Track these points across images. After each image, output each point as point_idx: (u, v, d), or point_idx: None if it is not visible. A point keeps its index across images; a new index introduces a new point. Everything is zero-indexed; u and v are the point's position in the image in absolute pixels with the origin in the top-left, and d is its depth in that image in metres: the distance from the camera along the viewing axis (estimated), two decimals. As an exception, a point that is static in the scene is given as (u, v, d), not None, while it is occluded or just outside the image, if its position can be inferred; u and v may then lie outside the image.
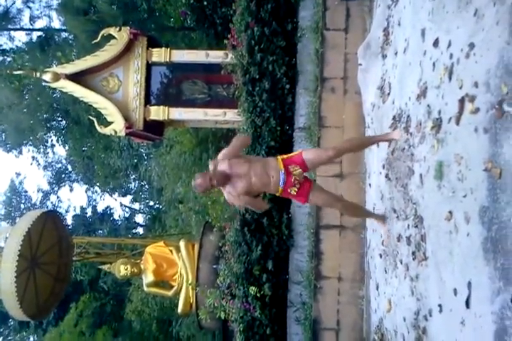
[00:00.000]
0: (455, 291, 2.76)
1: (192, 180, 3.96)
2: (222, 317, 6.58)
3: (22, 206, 24.03)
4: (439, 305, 3.03)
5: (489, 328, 2.31)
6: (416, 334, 3.47)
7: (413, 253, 3.62)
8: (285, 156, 4.04)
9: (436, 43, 3.45)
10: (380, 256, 4.69)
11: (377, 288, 4.86)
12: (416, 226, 3.58)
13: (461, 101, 2.87)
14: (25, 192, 24.77)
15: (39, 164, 22.60)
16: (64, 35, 16.99)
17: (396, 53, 4.54)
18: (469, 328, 2.57)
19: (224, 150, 3.93)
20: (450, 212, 2.90)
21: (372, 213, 4.75)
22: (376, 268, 4.91)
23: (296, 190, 3.94)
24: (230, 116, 7.85)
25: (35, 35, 17.59)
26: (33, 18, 18.19)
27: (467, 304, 2.58)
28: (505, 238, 2.22)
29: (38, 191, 24.33)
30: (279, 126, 6.72)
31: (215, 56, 7.88)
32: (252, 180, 3.84)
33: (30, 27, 18.13)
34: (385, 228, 4.37)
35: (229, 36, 7.34)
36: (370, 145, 4.62)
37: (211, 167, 3.83)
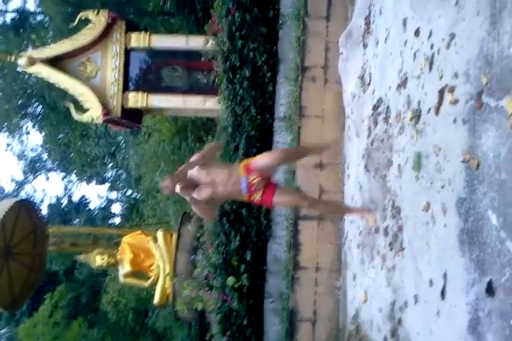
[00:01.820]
0: (431, 282, 2.76)
1: (160, 181, 4.01)
2: (199, 308, 6.55)
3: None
4: (415, 296, 3.03)
5: (463, 319, 2.31)
6: (392, 325, 3.48)
7: (390, 243, 3.62)
8: (247, 162, 4.03)
9: (417, 33, 3.42)
10: (358, 246, 4.69)
11: (354, 279, 4.87)
12: (394, 217, 3.58)
13: (441, 91, 2.85)
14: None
15: (13, 152, 22.15)
16: (39, 17, 16.57)
17: (377, 42, 4.50)
18: (444, 318, 2.57)
19: (194, 156, 3.92)
20: (428, 203, 2.90)
21: (353, 208, 4.68)
22: (353, 259, 4.92)
23: (259, 197, 3.96)
24: (209, 104, 7.75)
25: (8, 16, 17.12)
26: (6, -1, 17.70)
27: (442, 295, 2.58)
28: (481, 229, 2.21)
29: (11, 181, 23.84)
30: (260, 115, 6.65)
31: (196, 42, 7.75)
32: (218, 189, 3.88)
33: (3, 8, 17.63)
34: (372, 219, 4.12)
35: (209, 22, 7.21)
36: (305, 155, 4.61)
37: (181, 170, 3.84)
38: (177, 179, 3.76)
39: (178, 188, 3.77)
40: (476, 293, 2.22)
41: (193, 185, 3.86)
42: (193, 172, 3.86)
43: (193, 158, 3.90)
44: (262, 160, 3.99)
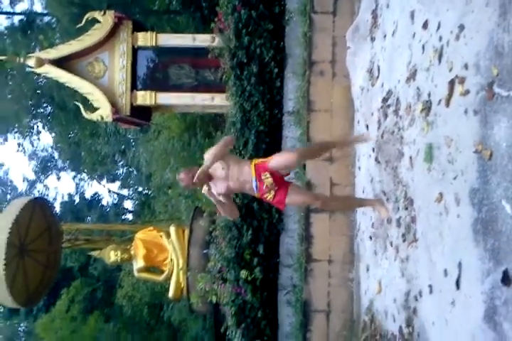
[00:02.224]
0: (445, 272, 2.80)
1: (177, 174, 4.05)
2: (214, 301, 6.62)
3: (8, 196, 23.79)
4: (430, 286, 3.07)
5: (479, 308, 2.35)
6: (406, 315, 3.53)
7: (403, 235, 3.65)
8: (258, 161, 4.03)
9: (425, 25, 3.44)
10: (370, 238, 4.73)
11: (367, 270, 4.91)
12: (406, 209, 3.61)
13: (451, 83, 2.87)
14: (11, 181, 24.51)
15: (25, 152, 22.33)
16: (46, 18, 16.65)
17: (385, 36, 4.51)
18: (459, 308, 2.61)
19: (211, 150, 3.92)
20: (440, 194, 2.93)
21: (365, 200, 4.58)
22: (366, 251, 4.96)
23: (272, 196, 3.97)
24: (217, 101, 7.79)
25: (16, 18, 17.21)
26: (13, 1, 17.78)
27: (457, 285, 2.62)
28: (495, 219, 2.24)
29: (24, 180, 24.06)
30: (268, 110, 6.69)
31: (202, 40, 7.78)
32: (231, 184, 3.91)
33: (11, 10, 17.73)
34: (385, 211, 4.07)
35: (215, 19, 7.24)
36: (336, 147, 4.66)
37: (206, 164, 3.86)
38: (193, 173, 3.81)
39: (204, 189, 3.85)
40: (491, 283, 2.25)
41: (208, 179, 3.90)
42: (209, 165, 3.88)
43: (211, 152, 3.89)
44: (279, 159, 3.97)
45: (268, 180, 3.90)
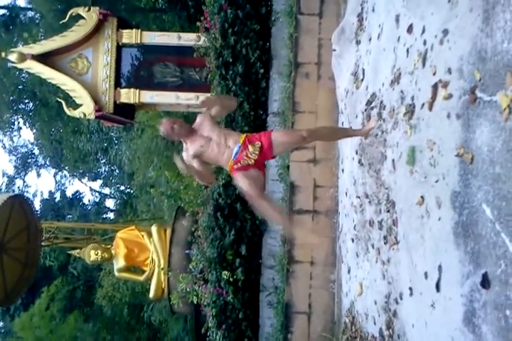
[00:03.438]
0: (426, 275, 2.81)
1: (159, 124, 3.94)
2: (195, 302, 6.60)
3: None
4: (410, 289, 3.09)
5: (458, 311, 2.36)
6: (387, 317, 3.54)
7: (385, 237, 3.67)
8: (253, 134, 3.92)
9: (410, 29, 3.46)
10: (352, 240, 4.75)
11: (348, 272, 4.93)
12: (388, 211, 3.63)
13: (435, 87, 2.89)
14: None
15: (5, 147, 22.02)
16: (30, 13, 16.43)
17: (370, 39, 4.53)
18: (439, 311, 2.63)
19: (213, 98, 3.85)
20: (422, 197, 2.94)
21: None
22: (348, 253, 4.98)
23: (253, 159, 3.74)
24: (202, 100, 7.76)
25: (-2, 13, 16.96)
26: (-4, -5, 17.52)
27: (437, 287, 2.63)
28: (475, 222, 2.26)
29: (3, 175, 23.74)
30: (253, 111, 6.68)
31: (188, 39, 7.75)
32: (210, 147, 3.76)
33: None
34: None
35: (202, 18, 7.22)
36: (344, 137, 4.43)
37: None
38: (176, 122, 3.75)
39: (176, 130, 3.71)
40: (470, 285, 2.27)
41: (189, 132, 3.79)
42: (199, 118, 3.83)
43: (208, 100, 3.83)
44: (287, 133, 3.83)
45: (255, 147, 3.73)
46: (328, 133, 4.23)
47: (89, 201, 24.20)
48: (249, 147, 3.75)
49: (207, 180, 4.06)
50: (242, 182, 3.83)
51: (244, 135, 3.87)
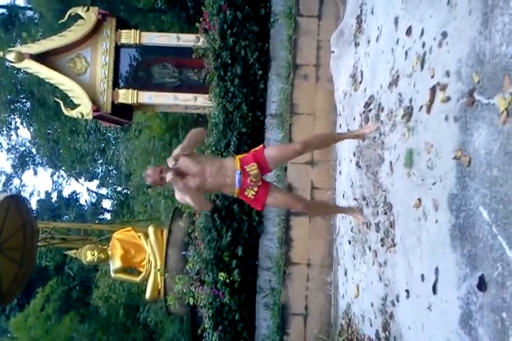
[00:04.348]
0: (422, 277, 2.81)
1: (144, 171, 3.82)
2: (191, 303, 6.58)
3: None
4: (407, 291, 3.08)
5: (455, 313, 2.36)
6: (383, 319, 3.54)
7: (382, 239, 3.67)
8: (243, 155, 3.81)
9: (409, 32, 3.46)
10: (349, 242, 4.75)
11: (345, 274, 4.93)
12: (385, 213, 3.63)
13: (433, 89, 2.89)
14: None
15: (2, 147, 21.98)
16: (29, 13, 16.43)
17: (369, 41, 4.54)
18: (435, 313, 2.62)
19: (180, 145, 3.68)
20: (419, 200, 2.95)
21: (342, 208, 4.50)
22: (345, 255, 4.97)
23: (253, 193, 3.73)
24: (200, 101, 7.77)
25: (-2, 13, 16.95)
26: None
27: (434, 289, 2.63)
28: (472, 225, 2.26)
29: (0, 174, 23.68)
30: (251, 112, 6.68)
31: (187, 39, 7.75)
32: (207, 180, 3.67)
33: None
34: (362, 218, 4.12)
35: (201, 19, 7.22)
36: (339, 141, 4.42)
37: (169, 163, 3.66)
38: (162, 168, 3.62)
39: (169, 175, 3.56)
40: (467, 288, 2.26)
41: (181, 175, 3.64)
42: (181, 162, 3.64)
43: (180, 146, 3.67)
44: (280, 148, 3.77)
45: (254, 171, 3.66)
46: (323, 142, 4.17)
47: (85, 201, 24.19)
48: (249, 172, 3.69)
49: (204, 205, 3.97)
50: (275, 203, 3.89)
51: (238, 158, 3.77)
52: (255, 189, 3.73)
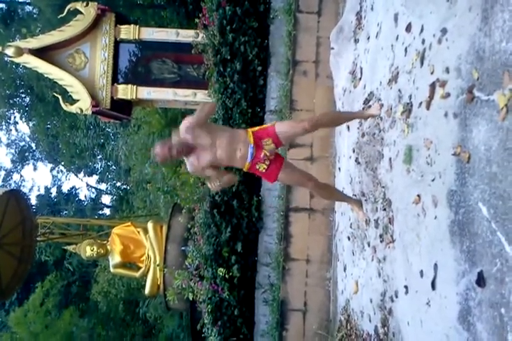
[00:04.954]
0: (421, 273, 2.82)
1: (152, 149, 3.72)
2: (190, 298, 6.61)
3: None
4: (406, 287, 3.10)
5: (454, 309, 2.38)
6: (382, 315, 3.56)
7: (381, 235, 3.68)
8: (256, 128, 3.74)
9: (408, 28, 3.46)
10: (348, 238, 4.76)
11: (344, 270, 4.94)
12: (384, 210, 3.64)
13: (432, 86, 2.89)
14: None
15: (1, 141, 21.97)
16: (28, 8, 16.36)
17: (368, 38, 4.53)
18: (434, 309, 2.64)
19: (189, 118, 3.55)
20: (418, 196, 2.95)
21: (347, 197, 4.45)
22: (344, 251, 4.99)
23: (265, 167, 3.69)
24: (200, 97, 7.76)
25: (-3, 8, 16.88)
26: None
27: (433, 285, 2.65)
28: (471, 221, 2.27)
29: (-1, 169, 23.68)
30: (250, 108, 6.67)
31: (186, 35, 7.73)
32: (218, 153, 3.58)
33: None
34: (362, 214, 4.12)
35: (200, 15, 7.20)
36: (347, 121, 4.33)
37: (174, 136, 3.56)
38: (170, 144, 3.50)
39: (175, 153, 3.47)
40: (466, 284, 2.28)
41: (189, 150, 3.56)
42: (189, 136, 3.53)
43: (189, 120, 3.55)
44: (291, 124, 3.70)
45: (270, 146, 3.61)
46: (330, 121, 4.08)
47: (85, 197, 24.22)
48: (265, 146, 3.65)
49: (230, 179, 3.82)
50: (287, 178, 3.86)
51: (250, 131, 3.71)
52: (267, 162, 3.69)
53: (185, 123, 3.56)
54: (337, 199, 4.82)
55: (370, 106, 4.16)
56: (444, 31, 2.82)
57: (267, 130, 3.72)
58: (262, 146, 3.65)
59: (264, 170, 3.72)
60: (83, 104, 7.79)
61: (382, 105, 3.85)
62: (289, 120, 3.90)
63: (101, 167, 22.57)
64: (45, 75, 8.10)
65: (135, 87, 7.87)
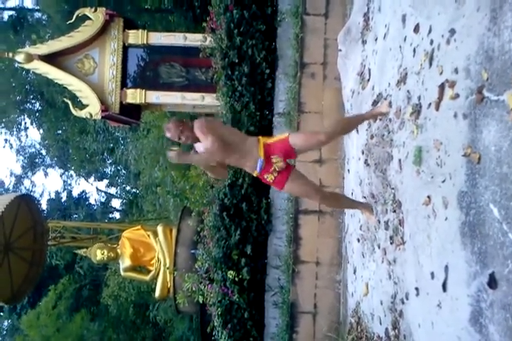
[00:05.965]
0: (432, 275, 2.81)
1: (165, 123, 3.76)
2: (200, 301, 6.61)
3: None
4: (416, 289, 3.08)
5: (465, 311, 2.36)
6: (393, 317, 3.54)
7: (391, 237, 3.66)
8: (268, 141, 3.75)
9: (416, 29, 3.45)
10: (358, 240, 4.74)
11: (354, 272, 4.92)
12: (394, 211, 3.62)
13: (441, 87, 2.88)
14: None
15: (12, 147, 22.15)
16: (37, 15, 16.53)
17: (376, 39, 4.53)
18: (446, 311, 2.62)
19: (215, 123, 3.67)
20: (428, 197, 2.94)
21: (356, 203, 4.43)
22: (354, 253, 4.97)
23: (273, 177, 3.73)
24: (208, 101, 7.78)
25: (6, 14, 17.06)
26: (3, -4, 17.64)
27: (444, 287, 2.63)
28: (482, 222, 2.25)
29: (10, 175, 23.87)
30: (259, 111, 6.69)
31: (194, 39, 7.77)
32: (227, 161, 3.70)
33: (1, 6, 17.55)
34: (373, 218, 4.09)
35: (207, 19, 7.23)
36: (358, 124, 4.26)
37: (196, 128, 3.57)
38: (182, 128, 3.55)
39: (184, 137, 3.53)
40: (477, 285, 2.26)
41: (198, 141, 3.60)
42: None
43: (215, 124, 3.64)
44: (306, 137, 3.69)
45: (279, 164, 3.65)
46: (344, 129, 4.06)
47: (95, 201, 24.32)
48: (275, 163, 3.67)
49: (222, 174, 3.94)
50: (294, 190, 3.88)
51: (262, 143, 3.69)
52: (275, 174, 3.72)
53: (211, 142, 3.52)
54: (347, 207, 4.81)
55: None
56: (452, 32, 2.81)
57: (280, 143, 3.70)
58: (271, 163, 3.68)
59: (272, 181, 3.77)
60: (93, 108, 7.84)
61: (390, 103, 3.84)
62: (304, 132, 3.85)
63: (111, 171, 22.70)
64: (55, 81, 8.17)
65: (144, 91, 7.91)
